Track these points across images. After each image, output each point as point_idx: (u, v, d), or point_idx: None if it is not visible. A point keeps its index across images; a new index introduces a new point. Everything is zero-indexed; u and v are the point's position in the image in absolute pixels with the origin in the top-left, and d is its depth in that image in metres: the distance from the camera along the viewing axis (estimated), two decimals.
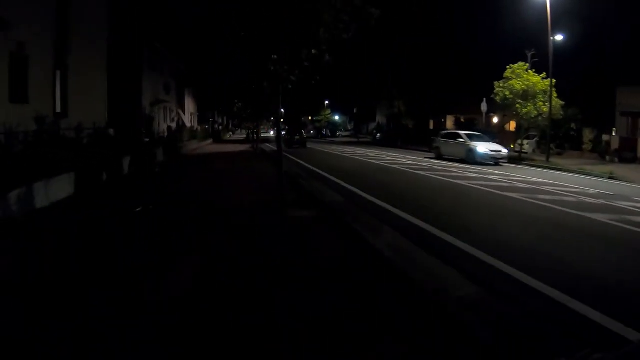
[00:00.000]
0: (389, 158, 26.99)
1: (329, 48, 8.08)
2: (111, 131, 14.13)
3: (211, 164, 23.63)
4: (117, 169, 10.61)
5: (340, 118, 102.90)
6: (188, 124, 42.03)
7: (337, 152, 33.35)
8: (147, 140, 8.35)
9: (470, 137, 25.29)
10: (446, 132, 28.86)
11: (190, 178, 16.78)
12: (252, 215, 9.42)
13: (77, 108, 15.87)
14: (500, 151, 24.15)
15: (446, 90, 49.35)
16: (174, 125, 35.72)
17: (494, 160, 23.54)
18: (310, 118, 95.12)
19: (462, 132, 26.84)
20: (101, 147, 13.66)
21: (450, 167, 21.47)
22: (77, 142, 12.85)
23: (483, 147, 23.79)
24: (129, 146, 9.10)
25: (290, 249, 6.84)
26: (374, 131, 65.82)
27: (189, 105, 47.24)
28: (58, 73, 15.33)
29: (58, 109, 15.14)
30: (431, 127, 56.34)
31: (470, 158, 23.70)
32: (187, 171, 19.59)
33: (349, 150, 36.44)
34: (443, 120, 54.66)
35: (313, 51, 7.97)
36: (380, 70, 55.63)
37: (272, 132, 65.89)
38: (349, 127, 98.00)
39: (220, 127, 70.23)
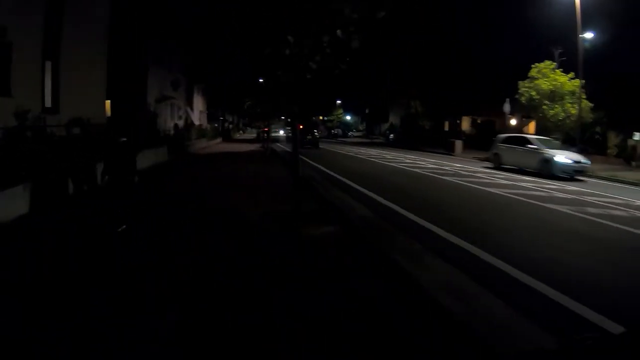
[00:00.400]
0: (407, 160, 25.47)
1: (358, 30, 6.56)
2: (76, 130, 12.36)
3: (219, 163, 22.23)
4: (89, 178, 8.98)
5: (351, 118, 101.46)
6: (196, 122, 40.57)
7: (351, 153, 31.88)
8: (124, 139, 6.53)
9: (543, 143, 20.78)
10: (508, 136, 23.79)
11: (193, 180, 15.41)
12: (261, 229, 7.99)
13: (71, 103, 14.37)
14: (580, 161, 19.54)
15: (459, 90, 47.64)
16: (181, 123, 34.30)
17: (574, 174, 19.06)
18: (320, 118, 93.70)
19: (531, 137, 22.22)
20: (93, 147, 12.24)
21: (477, 172, 19.90)
22: (66, 140, 11.39)
23: (562, 157, 19.22)
24: (110, 149, 7.65)
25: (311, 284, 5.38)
26: (387, 132, 64.33)
27: (198, 102, 45.82)
28: (48, 64, 13.86)
29: (48, 104, 13.68)
30: (446, 128, 54.75)
31: (546, 169, 19.19)
32: (191, 172, 18.15)
33: (363, 151, 34.94)
34: (458, 121, 52.93)
35: (338, 32, 6.44)
36: (386, 68, 53.98)
37: (282, 132, 63.95)
38: (360, 128, 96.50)
39: (230, 126, 68.94)
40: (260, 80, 30.49)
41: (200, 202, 10.64)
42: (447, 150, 34.48)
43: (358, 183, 14.43)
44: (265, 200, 11.07)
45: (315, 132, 38.69)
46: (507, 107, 32.46)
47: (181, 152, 25.76)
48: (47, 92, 13.68)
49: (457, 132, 49.92)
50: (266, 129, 37.08)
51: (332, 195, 11.26)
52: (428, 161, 25.61)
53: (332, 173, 17.60)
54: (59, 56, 14.31)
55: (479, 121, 49.11)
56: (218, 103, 57.15)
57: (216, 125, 53.20)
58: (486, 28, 43.30)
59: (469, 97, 46.81)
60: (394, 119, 66.50)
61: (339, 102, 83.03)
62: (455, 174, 18.63)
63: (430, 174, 18.39)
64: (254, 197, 11.50)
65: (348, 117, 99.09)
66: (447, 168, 21.45)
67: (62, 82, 14.39)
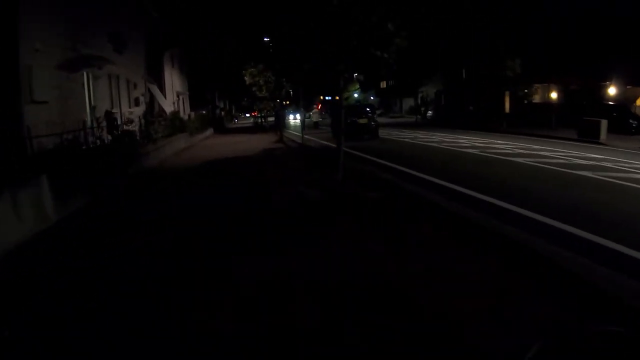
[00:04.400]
0: (578, 159, 11.98)
1: None
2: None
3: (201, 233, 7.03)
4: None
5: (359, 95, 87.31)
6: (169, 109, 25.89)
7: (442, 146, 18.26)
8: None
9: None
10: None
11: None
12: None
13: None
14: None
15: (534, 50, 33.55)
16: (138, 110, 19.83)
17: None
18: (322, 97, 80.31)
19: None
20: None
21: None
22: None
23: None
24: None
25: None
26: (422, 109, 50.87)
27: (173, 79, 31.10)
28: None
29: None
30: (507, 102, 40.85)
31: None
32: None
33: (443, 138, 20.98)
34: (526, 90, 38.70)
35: None
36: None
37: (297, 117, 47.20)
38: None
39: (222, 113, 55.01)
40: (266, 39, 18.81)
41: None
42: (583, 134, 20.64)
43: None
44: None
45: (368, 110, 24.35)
46: None
47: (121, 176, 12.19)
48: None
49: (523, 105, 36.13)
50: (256, 113, 24.77)
51: None
52: (618, 161, 12.22)
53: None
54: None
55: (554, 92, 35.00)
56: (205, 82, 42.99)
57: (203, 112, 39.13)
58: None
59: (547, 58, 32.89)
60: (429, 91, 52.71)
61: (355, 75, 68.95)
62: None
63: None
64: None
65: (355, 95, 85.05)
66: None
67: None
